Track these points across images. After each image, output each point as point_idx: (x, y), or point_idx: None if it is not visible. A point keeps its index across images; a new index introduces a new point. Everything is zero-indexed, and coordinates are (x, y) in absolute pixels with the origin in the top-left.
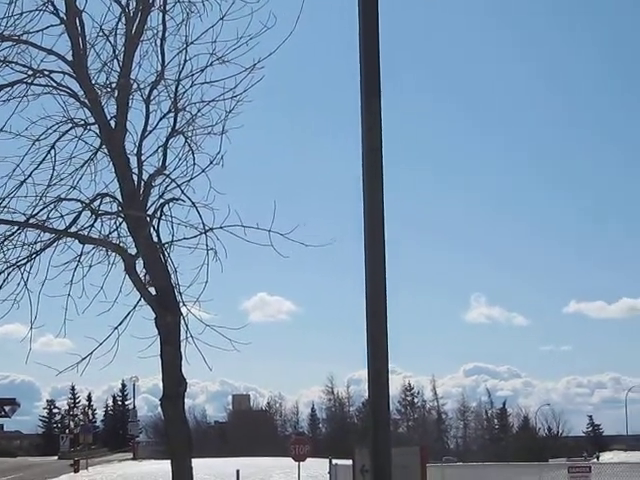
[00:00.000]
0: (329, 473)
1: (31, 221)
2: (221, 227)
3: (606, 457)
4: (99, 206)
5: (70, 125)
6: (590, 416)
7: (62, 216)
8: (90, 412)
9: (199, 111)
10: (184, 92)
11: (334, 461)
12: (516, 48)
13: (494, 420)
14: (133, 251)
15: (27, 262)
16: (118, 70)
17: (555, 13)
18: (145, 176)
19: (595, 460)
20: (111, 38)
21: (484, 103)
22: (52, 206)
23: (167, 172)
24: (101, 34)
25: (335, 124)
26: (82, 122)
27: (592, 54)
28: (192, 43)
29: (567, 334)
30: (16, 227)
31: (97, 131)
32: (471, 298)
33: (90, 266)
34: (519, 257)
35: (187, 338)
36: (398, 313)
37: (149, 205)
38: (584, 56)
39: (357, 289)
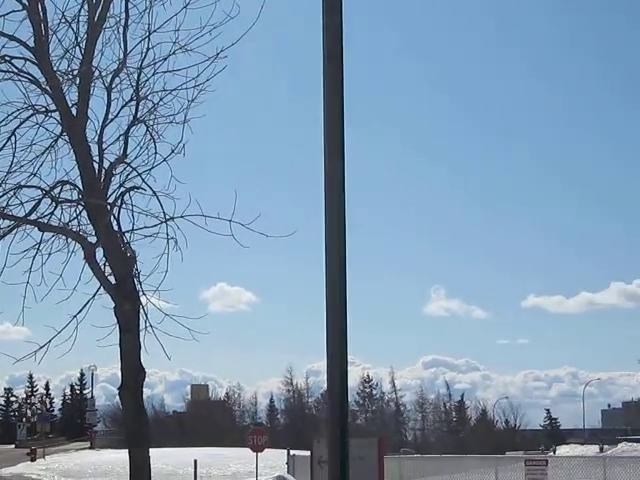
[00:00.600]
0: (287, 464)
1: None
2: (182, 216)
3: (562, 450)
4: (59, 194)
5: (31, 112)
6: (547, 410)
7: (22, 203)
8: (48, 401)
9: (161, 100)
10: (146, 80)
11: (292, 452)
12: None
13: (452, 412)
14: (93, 239)
15: None
16: (80, 57)
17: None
18: (106, 164)
19: (552, 454)
20: (73, 25)
21: (460, 88)
22: (12, 193)
23: (128, 160)
24: (63, 21)
25: (298, 114)
26: (43, 109)
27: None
28: (155, 31)
29: (525, 328)
30: None
31: (58, 118)
32: (431, 291)
33: (49, 254)
34: (479, 250)
35: (146, 327)
36: (358, 305)
37: (110, 193)
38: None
39: (317, 280)
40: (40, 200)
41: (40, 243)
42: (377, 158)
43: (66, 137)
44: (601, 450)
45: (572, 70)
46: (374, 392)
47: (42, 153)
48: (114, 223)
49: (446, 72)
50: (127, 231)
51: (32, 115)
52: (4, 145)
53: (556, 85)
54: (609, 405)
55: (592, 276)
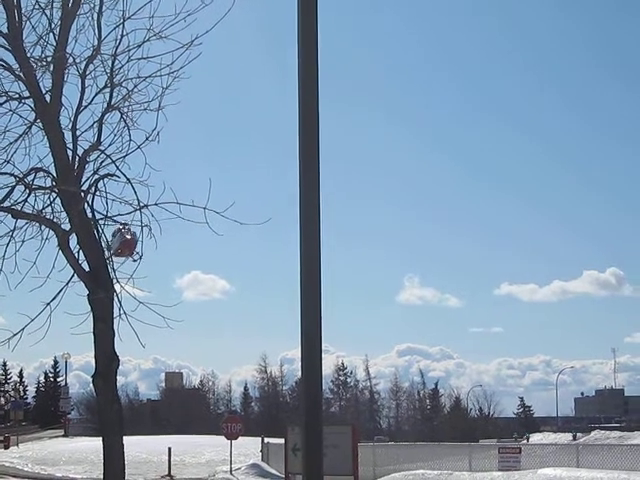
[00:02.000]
0: (261, 451)
1: None
2: (156, 204)
3: (536, 438)
4: (33, 180)
5: (4, 98)
6: (521, 398)
7: None
8: (21, 388)
9: (135, 87)
10: (120, 67)
11: (266, 440)
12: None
13: (426, 400)
14: (67, 227)
15: None
16: (54, 44)
17: None
18: (80, 151)
19: (525, 441)
20: (47, 11)
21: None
22: None
23: (102, 148)
24: (37, 7)
25: (273, 101)
26: (17, 95)
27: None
28: (129, 18)
29: (499, 316)
30: None
31: (32, 105)
32: (404, 279)
33: (23, 241)
34: (452, 239)
35: (120, 315)
36: (332, 293)
37: (84, 180)
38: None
39: (291, 268)
40: (14, 187)
41: (14, 230)
42: (351, 145)
43: (40, 124)
44: (574, 438)
45: (570, 53)
46: (348, 380)
47: (16, 140)
48: (88, 210)
49: (427, 36)
50: (101, 218)
51: (5, 102)
52: None
53: (544, 63)
54: (582, 393)
55: (565, 265)
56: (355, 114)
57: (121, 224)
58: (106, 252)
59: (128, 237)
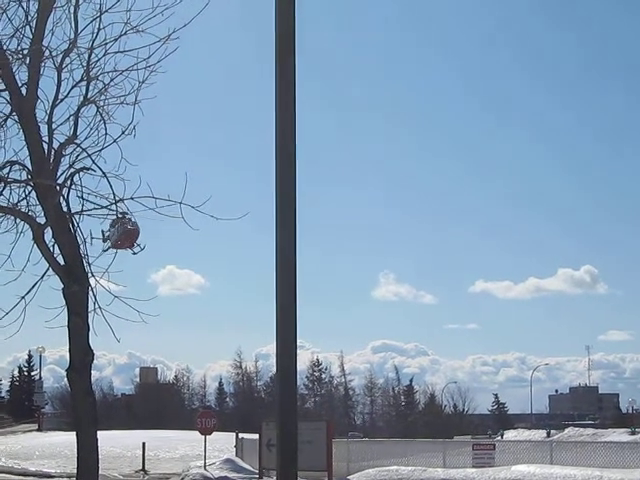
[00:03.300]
0: (235, 447)
1: None
2: (132, 198)
3: (510, 435)
4: (8, 174)
5: None
6: (495, 394)
7: None
8: None
9: (112, 80)
10: (97, 61)
11: (241, 435)
12: None
13: (401, 397)
14: (42, 220)
15: None
16: (30, 36)
17: None
18: (56, 145)
19: (499, 438)
20: (24, 4)
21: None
22: None
23: (78, 141)
24: None
25: (250, 95)
26: None
27: None
28: (106, 11)
29: (474, 313)
30: None
31: (7, 97)
32: (380, 276)
33: None
34: (427, 236)
35: (95, 309)
36: (308, 289)
37: (59, 174)
38: None
39: (267, 264)
40: None
41: None
42: (328, 141)
43: (15, 117)
44: (548, 435)
45: (548, 47)
46: (323, 376)
47: None
48: (63, 204)
49: (422, 24)
50: (76, 212)
51: None
52: None
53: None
54: (556, 390)
55: (540, 262)
56: (331, 109)
57: (120, 213)
58: (105, 244)
59: (129, 228)
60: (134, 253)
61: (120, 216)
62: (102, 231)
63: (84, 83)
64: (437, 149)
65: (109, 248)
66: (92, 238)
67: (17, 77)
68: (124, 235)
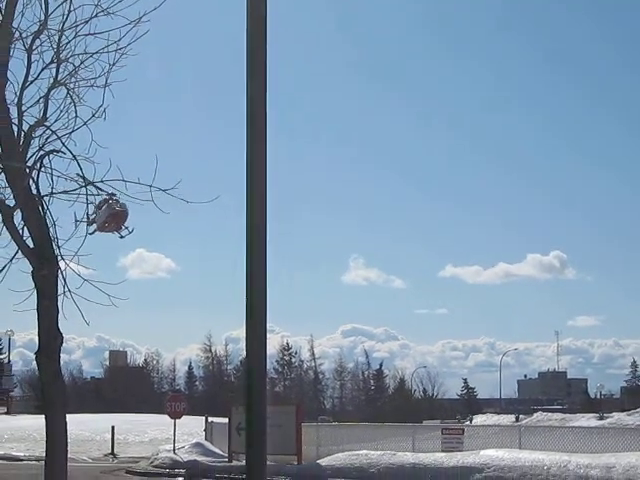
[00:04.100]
0: (205, 431)
1: None
2: (102, 181)
3: (479, 420)
4: None
5: None
6: (465, 379)
7: None
8: None
9: (82, 63)
10: (67, 43)
11: (210, 419)
12: None
13: (370, 381)
14: (11, 202)
15: None
16: None
17: None
18: (25, 127)
19: (468, 423)
20: None
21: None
22: None
23: (48, 123)
24: None
25: (221, 77)
26: None
27: None
28: None
29: (443, 298)
30: None
31: None
32: (349, 260)
33: None
34: (397, 220)
35: (64, 292)
36: (277, 272)
37: (29, 156)
38: None
39: (237, 248)
40: None
41: None
42: (294, 138)
43: None
44: (517, 419)
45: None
46: (293, 360)
47: None
48: (33, 186)
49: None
50: (46, 195)
51: None
52: None
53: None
54: (525, 375)
55: (509, 247)
56: (305, 90)
57: (107, 194)
58: (90, 227)
59: (117, 209)
60: (121, 236)
61: (107, 197)
62: (87, 214)
63: (54, 65)
64: (407, 134)
65: (95, 231)
66: (77, 221)
67: None
68: (110, 217)
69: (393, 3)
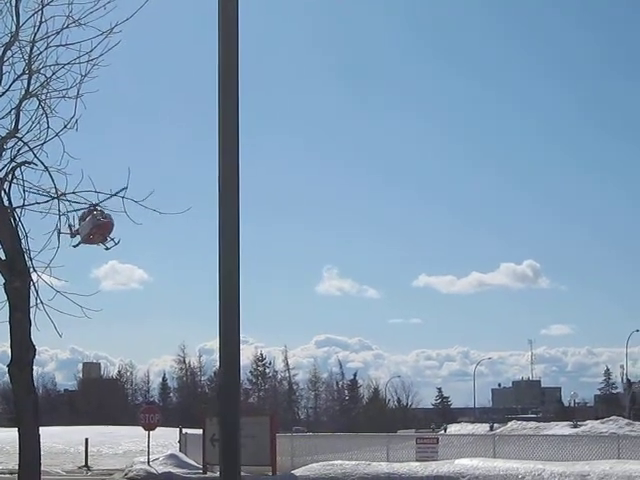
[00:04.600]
0: (179, 442)
1: None
2: (74, 192)
3: (453, 429)
4: None
5: None
6: (439, 389)
7: None
8: None
9: (54, 74)
10: (39, 54)
11: (184, 430)
12: None
13: (345, 391)
14: None
15: None
16: None
17: None
18: None
19: (442, 432)
20: None
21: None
22: None
23: (19, 135)
24: None
25: (193, 89)
26: None
27: None
28: (48, 4)
29: (417, 307)
30: None
31: None
32: (323, 270)
33: None
34: (371, 230)
35: (37, 304)
36: (251, 283)
37: (0, 168)
38: None
39: (209, 258)
40: None
41: None
42: (267, 151)
43: None
44: (491, 429)
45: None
46: (267, 370)
47: None
48: (4, 198)
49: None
50: (18, 207)
51: None
52: None
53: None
54: (499, 384)
55: (483, 256)
56: (276, 98)
57: (92, 206)
58: (74, 239)
59: (102, 220)
60: (107, 248)
61: (91, 208)
62: (69, 225)
63: (26, 76)
64: (381, 144)
65: (79, 243)
66: (60, 233)
67: None
68: (96, 228)
69: (381, 6)
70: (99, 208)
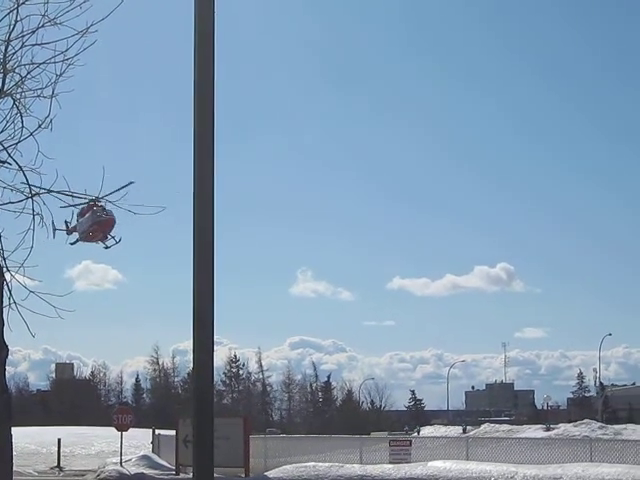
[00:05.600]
0: (152, 443)
1: None
2: (48, 192)
3: (426, 431)
4: None
5: None
6: (412, 391)
7: None
8: None
9: (29, 73)
10: (14, 53)
11: (157, 431)
12: None
13: (318, 393)
14: None
15: None
16: None
17: None
18: None
19: (416, 434)
20: None
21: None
22: None
23: None
24: None
25: (169, 88)
26: None
27: None
28: (23, 3)
29: (391, 310)
30: None
31: None
32: (297, 272)
33: None
34: (345, 232)
35: (10, 304)
36: (224, 284)
37: None
38: None
39: (184, 259)
40: None
41: None
42: (243, 154)
43: None
44: (464, 431)
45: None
46: (241, 372)
47: None
48: None
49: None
50: None
51: None
52: None
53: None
54: (473, 387)
55: (457, 259)
56: (252, 98)
57: (91, 201)
58: (71, 237)
59: (103, 217)
60: (106, 247)
61: (91, 203)
62: (65, 221)
63: (0, 75)
64: (356, 146)
65: (77, 241)
66: (54, 230)
67: None
68: (96, 225)
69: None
70: (99, 204)
